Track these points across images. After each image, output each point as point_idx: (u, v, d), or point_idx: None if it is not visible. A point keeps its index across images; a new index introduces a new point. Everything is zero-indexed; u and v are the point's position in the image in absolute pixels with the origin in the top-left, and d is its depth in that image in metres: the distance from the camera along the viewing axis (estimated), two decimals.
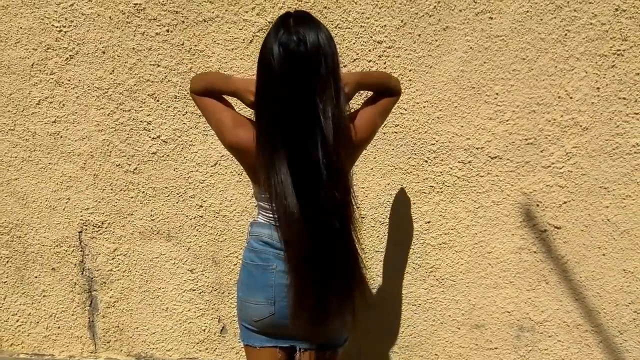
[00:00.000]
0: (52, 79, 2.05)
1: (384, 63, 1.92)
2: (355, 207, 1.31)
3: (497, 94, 1.92)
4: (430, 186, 2.02)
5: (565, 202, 1.99)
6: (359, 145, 1.35)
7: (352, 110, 1.35)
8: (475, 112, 1.94)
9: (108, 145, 2.09)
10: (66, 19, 1.98)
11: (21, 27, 2.00)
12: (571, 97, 1.90)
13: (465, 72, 1.91)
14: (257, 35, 1.92)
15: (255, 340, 1.44)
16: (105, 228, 2.19)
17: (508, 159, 1.97)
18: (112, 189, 2.14)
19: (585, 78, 1.88)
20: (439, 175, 2.01)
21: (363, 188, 2.05)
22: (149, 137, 2.07)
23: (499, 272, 2.08)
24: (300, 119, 1.16)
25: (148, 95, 2.03)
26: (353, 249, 1.29)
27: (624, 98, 1.88)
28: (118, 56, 2.00)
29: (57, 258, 2.24)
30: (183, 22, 1.94)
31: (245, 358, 1.52)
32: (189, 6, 1.92)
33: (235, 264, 2.17)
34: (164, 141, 2.07)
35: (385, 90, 1.40)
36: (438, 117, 1.96)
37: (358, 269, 1.30)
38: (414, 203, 2.05)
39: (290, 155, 1.19)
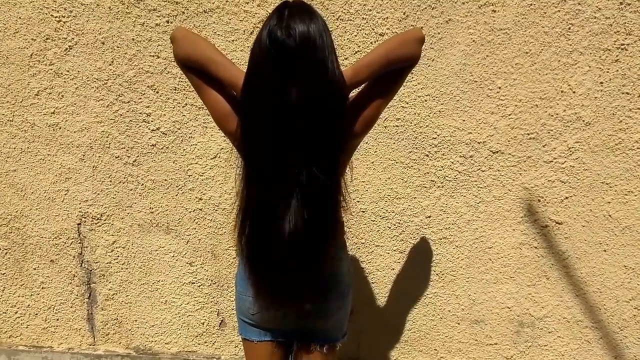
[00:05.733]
0: (51, 69, 2.03)
1: None
2: (342, 213, 1.26)
3: (499, 88, 1.90)
4: (431, 180, 2.01)
5: (566, 198, 1.98)
6: (360, 134, 1.29)
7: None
8: (477, 106, 1.92)
9: (107, 137, 2.08)
10: (65, 9, 1.96)
11: (20, 17, 1.99)
12: (574, 92, 1.88)
13: (468, 65, 1.89)
14: (257, 27, 1.90)
15: (253, 334, 1.43)
16: (104, 220, 2.18)
17: (510, 154, 1.96)
18: (111, 181, 2.13)
19: (588, 72, 1.86)
20: (440, 170, 2.00)
21: (363, 182, 2.03)
22: (149, 129, 2.06)
23: (499, 268, 2.07)
24: (285, 114, 1.09)
25: (147, 86, 2.01)
26: (321, 249, 1.23)
27: (628, 93, 1.87)
28: (117, 47, 1.98)
29: (56, 250, 2.24)
30: (183, 12, 1.93)
31: (244, 352, 1.51)
32: None
33: (235, 258, 2.16)
34: (163, 133, 2.06)
35: (393, 67, 1.23)
36: (440, 111, 1.94)
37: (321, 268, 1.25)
38: (415, 197, 2.03)
39: (270, 159, 1.12)
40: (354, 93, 1.25)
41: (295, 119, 1.08)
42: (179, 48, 1.26)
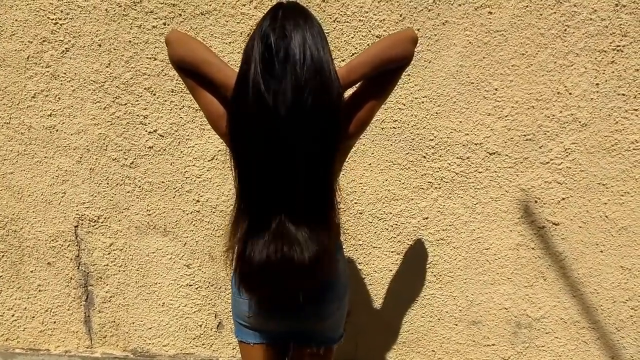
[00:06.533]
0: (47, 72, 2.03)
1: None
2: (337, 213, 1.24)
3: (496, 89, 1.91)
4: (429, 182, 2.01)
5: (563, 199, 1.98)
6: (354, 135, 1.28)
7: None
8: (474, 107, 1.93)
9: (104, 139, 2.08)
10: (62, 12, 1.96)
11: (16, 20, 1.98)
12: (570, 93, 1.89)
13: (464, 67, 1.89)
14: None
15: (249, 336, 1.43)
16: (102, 223, 2.17)
17: (507, 155, 1.96)
18: (108, 183, 2.13)
19: (584, 74, 1.87)
20: (437, 171, 2.00)
21: (361, 184, 2.04)
22: (146, 131, 2.06)
23: (496, 269, 2.08)
24: (278, 115, 1.07)
25: (145, 89, 2.01)
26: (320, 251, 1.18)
27: (623, 94, 1.87)
28: (114, 49, 1.98)
29: (52, 252, 2.23)
30: (180, 15, 1.93)
31: (240, 354, 1.51)
32: None
33: (232, 260, 2.16)
34: (160, 135, 2.06)
35: (387, 67, 1.23)
36: (437, 113, 1.94)
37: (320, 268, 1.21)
38: (412, 199, 2.04)
39: (263, 160, 1.11)
40: (347, 93, 1.25)
41: (289, 120, 1.08)
42: (172, 50, 1.27)
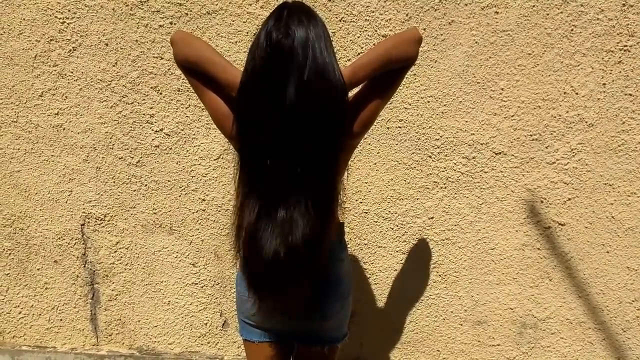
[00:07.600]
0: (55, 70, 2.04)
1: None
2: (340, 212, 1.24)
3: (502, 89, 1.90)
4: (434, 182, 2.01)
5: (569, 199, 1.98)
6: (358, 135, 1.28)
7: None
8: (480, 107, 1.93)
9: (111, 138, 2.09)
10: (69, 11, 1.97)
11: (24, 19, 2.00)
12: (577, 93, 1.88)
13: (471, 66, 1.89)
14: None
15: (254, 334, 1.43)
16: (108, 221, 2.19)
17: (512, 155, 1.96)
18: (114, 182, 2.14)
19: (591, 74, 1.86)
20: (443, 171, 2.00)
21: (366, 183, 2.04)
22: (152, 130, 2.07)
23: (502, 269, 2.08)
24: (282, 115, 1.08)
25: (151, 88, 2.02)
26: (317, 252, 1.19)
27: (630, 94, 1.87)
28: (121, 48, 1.99)
29: (59, 251, 2.24)
30: (187, 14, 1.93)
31: (245, 352, 1.52)
32: None
33: (238, 258, 2.17)
34: (166, 134, 2.06)
35: (391, 67, 1.23)
36: (442, 112, 1.94)
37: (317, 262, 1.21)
38: (417, 198, 2.04)
39: (266, 159, 1.11)
40: (351, 93, 1.25)
41: (293, 120, 1.08)
42: (177, 50, 1.28)
